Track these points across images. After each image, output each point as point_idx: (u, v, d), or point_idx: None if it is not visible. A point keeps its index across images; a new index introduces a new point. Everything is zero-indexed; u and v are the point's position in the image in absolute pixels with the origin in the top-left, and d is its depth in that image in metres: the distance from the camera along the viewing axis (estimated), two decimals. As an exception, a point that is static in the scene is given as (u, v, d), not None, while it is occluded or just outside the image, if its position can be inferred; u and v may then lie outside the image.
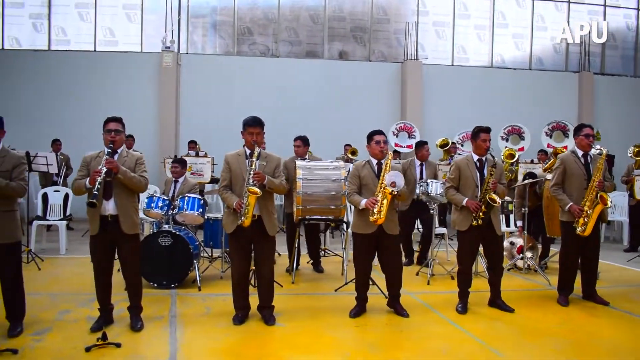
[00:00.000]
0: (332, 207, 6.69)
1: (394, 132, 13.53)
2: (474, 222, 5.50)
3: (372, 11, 14.99)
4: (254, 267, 5.47)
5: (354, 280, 5.61)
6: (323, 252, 8.01)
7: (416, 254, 8.28)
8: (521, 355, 4.52)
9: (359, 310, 5.48)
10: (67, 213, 9.02)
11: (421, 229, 8.19)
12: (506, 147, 12.64)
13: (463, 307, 5.63)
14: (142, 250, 5.29)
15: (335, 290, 6.39)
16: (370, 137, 5.54)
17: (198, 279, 6.46)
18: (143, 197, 7.16)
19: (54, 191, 9.15)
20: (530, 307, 5.85)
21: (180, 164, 7.63)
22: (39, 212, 8.95)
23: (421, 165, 8.08)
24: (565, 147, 11.42)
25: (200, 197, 6.89)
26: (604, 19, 15.75)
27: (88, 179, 4.67)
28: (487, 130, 5.66)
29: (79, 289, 6.18)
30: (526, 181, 7.43)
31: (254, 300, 5.29)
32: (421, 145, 8.29)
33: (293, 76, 14.16)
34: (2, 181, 4.47)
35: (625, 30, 16.26)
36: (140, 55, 13.85)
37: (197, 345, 4.61)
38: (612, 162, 12.13)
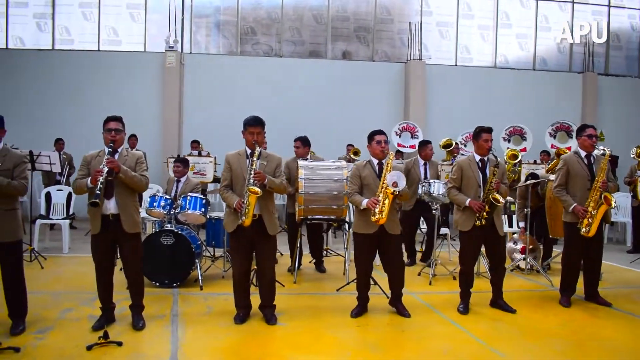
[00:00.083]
0: (334, 207, 6.69)
1: (396, 132, 13.52)
2: (478, 223, 5.49)
3: (375, 11, 14.98)
4: (255, 267, 5.47)
5: (356, 280, 5.61)
6: (325, 252, 8.01)
7: (419, 254, 8.28)
8: (522, 356, 4.52)
9: (361, 310, 5.48)
10: (70, 212, 9.05)
11: (425, 229, 8.21)
12: (508, 148, 12.61)
13: (465, 308, 5.63)
14: (144, 249, 5.30)
15: (337, 290, 6.39)
16: (371, 137, 5.54)
17: (200, 278, 6.47)
18: (145, 197, 7.18)
19: (57, 190, 9.17)
20: (532, 307, 5.84)
21: (182, 163, 7.65)
22: (42, 211, 8.96)
23: (425, 164, 8.08)
24: (569, 148, 11.38)
25: (202, 196, 6.90)
26: (608, 19, 15.72)
27: (89, 178, 4.68)
28: (489, 130, 5.65)
29: (81, 287, 6.19)
30: (528, 182, 7.41)
31: (255, 299, 5.30)
32: (425, 144, 8.28)
33: (296, 76, 14.15)
34: (3, 180, 4.49)
35: (629, 30, 16.19)
36: (143, 54, 13.87)
37: (198, 344, 4.62)
38: (615, 163, 12.06)
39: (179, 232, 6.40)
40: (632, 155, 9.99)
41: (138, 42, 14.00)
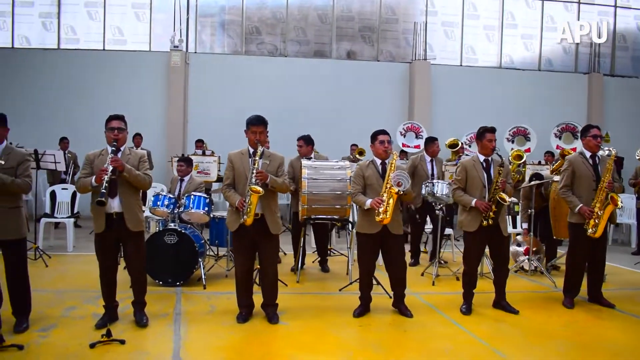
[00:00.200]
0: (338, 206, 6.69)
1: (401, 132, 13.51)
2: (485, 223, 5.48)
3: (380, 11, 14.98)
4: (258, 266, 5.48)
5: (358, 280, 5.61)
6: (329, 252, 8.01)
7: (422, 255, 8.27)
8: (525, 357, 4.51)
9: (363, 310, 5.48)
10: (75, 211, 9.09)
11: (429, 229, 8.21)
12: (512, 148, 12.58)
13: (467, 308, 5.62)
14: (147, 248, 5.32)
15: (340, 290, 6.40)
16: (374, 136, 5.55)
17: (203, 277, 6.48)
18: (149, 196, 7.21)
19: (62, 189, 9.22)
20: (535, 309, 5.82)
21: (186, 162, 7.67)
22: (47, 210, 9.01)
23: (431, 161, 8.07)
24: (574, 149, 11.34)
25: (206, 195, 6.91)
26: (614, 20, 15.66)
27: (94, 177, 4.69)
28: (492, 130, 5.64)
29: (84, 286, 6.21)
30: (532, 182, 7.39)
31: (258, 298, 5.31)
32: (432, 141, 8.27)
33: (301, 76, 14.16)
34: (7, 178, 4.51)
35: (635, 31, 16.12)
36: (148, 54, 13.92)
37: (200, 342, 4.63)
38: (621, 164, 12.02)
39: (183, 231, 6.42)
40: (637, 157, 9.97)
41: (143, 41, 14.05)
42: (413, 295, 6.08)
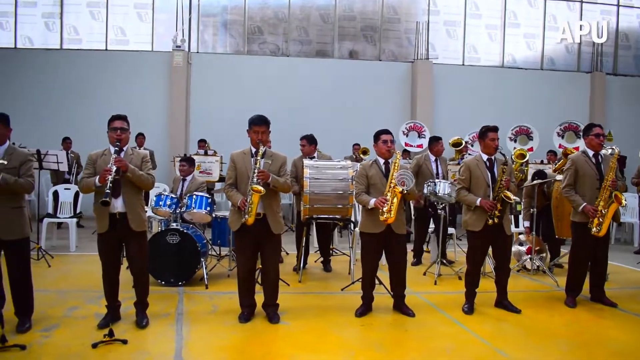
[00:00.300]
0: (340, 206, 6.70)
1: (404, 132, 13.51)
2: (490, 221, 5.47)
3: (382, 10, 14.97)
4: (261, 266, 5.48)
5: (361, 280, 5.61)
6: (331, 251, 8.01)
7: (425, 254, 8.26)
8: (527, 356, 4.50)
9: (365, 309, 5.48)
10: (78, 211, 9.10)
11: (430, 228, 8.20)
12: (515, 147, 12.56)
13: (469, 308, 5.61)
14: (150, 247, 5.32)
15: (342, 290, 6.39)
16: (377, 136, 5.55)
17: (205, 276, 6.49)
18: (152, 196, 7.22)
19: (65, 189, 9.22)
20: (537, 308, 5.81)
21: (188, 162, 7.68)
22: (50, 210, 9.02)
23: (436, 160, 8.05)
24: (577, 148, 11.32)
25: (208, 195, 6.92)
26: (617, 19, 15.63)
27: (97, 177, 4.70)
28: (495, 129, 5.64)
29: (87, 286, 6.22)
30: (535, 182, 7.38)
31: (260, 298, 5.31)
32: (436, 140, 8.25)
33: (303, 75, 14.16)
34: (10, 178, 4.52)
35: (638, 30, 16.07)
36: (151, 54, 13.94)
37: (202, 342, 4.64)
38: (623, 163, 12.01)
39: (185, 230, 6.43)
40: (640, 156, 9.94)
41: (145, 41, 14.07)
42: (415, 294, 6.09)
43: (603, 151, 5.90)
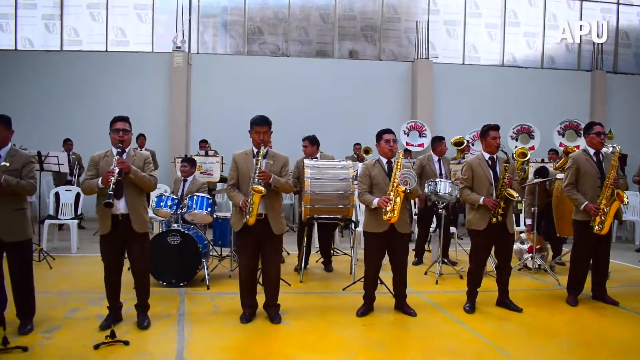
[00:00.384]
0: (341, 206, 6.69)
1: (404, 131, 13.51)
2: (494, 220, 5.46)
3: (382, 10, 14.97)
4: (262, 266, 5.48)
5: (362, 279, 5.61)
6: (332, 251, 8.01)
7: (426, 254, 8.26)
8: (529, 355, 4.50)
9: (367, 309, 5.48)
10: (79, 212, 9.11)
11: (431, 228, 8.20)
12: (516, 146, 12.55)
13: (471, 307, 5.61)
14: (151, 248, 5.32)
15: (343, 289, 6.39)
16: (379, 136, 5.55)
17: (207, 277, 6.49)
18: (153, 197, 7.22)
19: (66, 190, 9.23)
20: (538, 306, 5.81)
21: (189, 163, 7.68)
22: (51, 211, 9.02)
23: (439, 160, 8.04)
24: (578, 147, 11.31)
25: (209, 196, 6.92)
26: (617, 17, 15.61)
27: (100, 179, 4.70)
28: (496, 127, 5.64)
29: (88, 287, 6.22)
30: (536, 180, 7.38)
31: (262, 298, 5.31)
32: (439, 140, 8.25)
33: (303, 75, 14.16)
34: (12, 179, 4.52)
35: (638, 28, 16.05)
36: (151, 55, 13.94)
37: (204, 343, 4.64)
38: (624, 161, 12.00)
39: (186, 231, 6.43)
40: (640, 154, 9.94)
41: (146, 42, 14.08)
42: (416, 294, 6.09)
43: (604, 149, 5.90)
